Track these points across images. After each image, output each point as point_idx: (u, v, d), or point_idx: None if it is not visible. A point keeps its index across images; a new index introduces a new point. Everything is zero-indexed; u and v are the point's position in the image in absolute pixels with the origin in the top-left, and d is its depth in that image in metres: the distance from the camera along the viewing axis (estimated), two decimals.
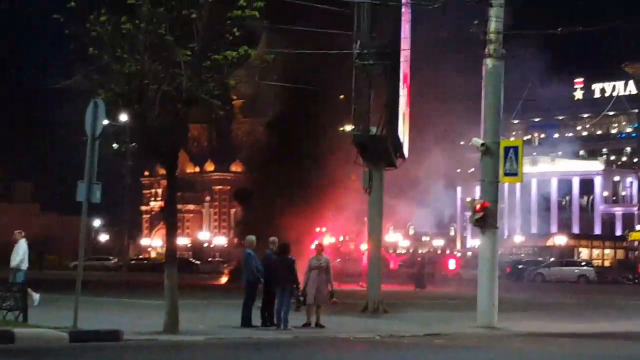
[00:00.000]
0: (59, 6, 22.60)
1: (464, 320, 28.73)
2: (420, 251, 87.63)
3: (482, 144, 27.94)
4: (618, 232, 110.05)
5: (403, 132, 34.90)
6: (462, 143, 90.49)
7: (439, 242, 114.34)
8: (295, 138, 59.67)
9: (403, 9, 32.44)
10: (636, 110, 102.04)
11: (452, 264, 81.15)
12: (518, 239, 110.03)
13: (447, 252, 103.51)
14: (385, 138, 32.55)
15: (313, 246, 29.67)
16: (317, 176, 56.71)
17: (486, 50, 27.92)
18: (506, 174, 28.02)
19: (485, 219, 27.66)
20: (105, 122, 23.13)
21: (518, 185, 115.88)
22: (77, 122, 23.12)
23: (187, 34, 22.71)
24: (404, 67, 33.96)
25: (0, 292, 23.48)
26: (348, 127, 34.06)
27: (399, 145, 34.45)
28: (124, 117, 27.40)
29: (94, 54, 22.56)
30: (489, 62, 27.88)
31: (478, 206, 27.82)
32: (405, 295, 47.17)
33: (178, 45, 22.57)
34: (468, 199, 30.66)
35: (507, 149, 27.99)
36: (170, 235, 24.01)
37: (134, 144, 28.87)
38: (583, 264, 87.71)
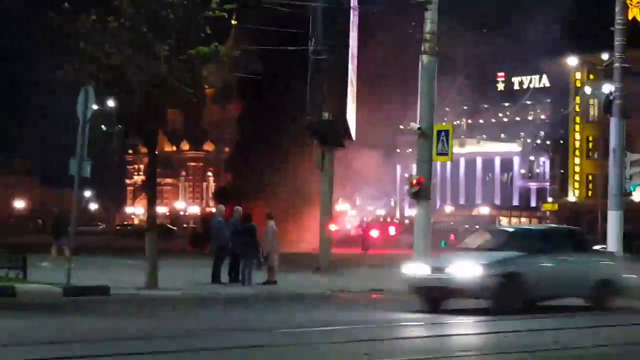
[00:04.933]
0: (54, 6, 22.39)
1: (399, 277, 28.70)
2: (364, 219, 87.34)
3: (419, 128, 27.90)
4: (533, 204, 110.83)
5: (351, 117, 34.87)
6: (401, 127, 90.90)
7: (381, 212, 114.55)
8: (266, 121, 59.39)
9: (352, 12, 32.37)
10: (549, 100, 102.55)
11: (392, 230, 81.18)
12: (448, 209, 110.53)
13: (388, 220, 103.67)
14: (334, 123, 32.53)
15: None
16: (287, 154, 56.44)
17: (422, 47, 27.87)
18: (438, 154, 28.00)
19: (420, 192, 27.65)
20: (95, 107, 22.95)
21: (449, 163, 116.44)
22: (71, 107, 22.86)
23: (165, 31, 22.57)
24: (353, 61, 33.92)
25: (4, 253, 23.38)
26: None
27: (347, 129, 34.44)
28: (111, 103, 27.08)
29: (85, 48, 22.37)
30: (424, 58, 27.81)
31: (414, 181, 27.81)
32: (354, 256, 47.16)
33: (157, 41, 22.42)
34: (406, 175, 30.44)
35: (439, 133, 27.97)
36: (151, 205, 23.93)
37: (119, 126, 28.50)
38: None
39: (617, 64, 32.82)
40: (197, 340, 13.83)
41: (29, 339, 13.34)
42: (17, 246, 27.30)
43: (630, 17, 32.41)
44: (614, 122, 32.59)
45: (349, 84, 33.18)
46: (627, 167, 32.62)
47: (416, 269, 19.86)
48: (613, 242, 31.88)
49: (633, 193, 33.38)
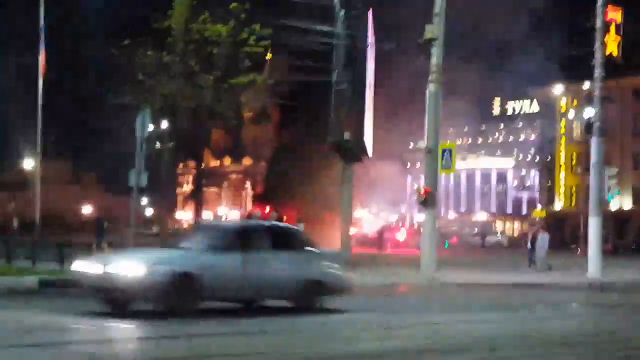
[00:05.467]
0: (117, 43, 22.62)
1: (412, 273, 28.40)
2: (381, 224, 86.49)
3: (426, 147, 27.93)
4: (524, 212, 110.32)
5: (368, 137, 34.75)
6: (411, 146, 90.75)
7: (393, 217, 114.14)
8: (295, 139, 59.20)
9: (368, 48, 32.31)
10: (537, 122, 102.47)
11: (403, 234, 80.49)
12: (451, 215, 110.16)
13: (400, 224, 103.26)
14: (353, 142, 32.40)
15: None
16: (313, 167, 55.93)
17: (429, 78, 27.86)
18: (443, 168, 28.04)
19: (428, 201, 27.65)
20: (151, 128, 23.04)
21: (452, 175, 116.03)
22: (129, 126, 22.93)
23: (210, 64, 22.73)
24: (370, 90, 33.86)
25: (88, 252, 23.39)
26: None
27: (364, 147, 34.32)
28: (164, 125, 27.17)
29: (141, 78, 22.57)
30: (431, 87, 27.80)
31: (422, 191, 27.84)
32: (371, 255, 46.99)
33: (203, 73, 22.60)
34: (415, 186, 30.13)
35: (444, 150, 27.99)
36: (198, 210, 24.02)
37: (171, 144, 28.55)
38: (498, 234, 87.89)
39: (596, 93, 32.77)
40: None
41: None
42: (81, 244, 27.23)
43: (607, 53, 32.26)
44: (594, 141, 32.49)
45: (366, 109, 33.11)
46: (606, 180, 32.51)
47: (88, 266, 14.95)
48: (594, 242, 31.77)
49: (610, 202, 33.16)
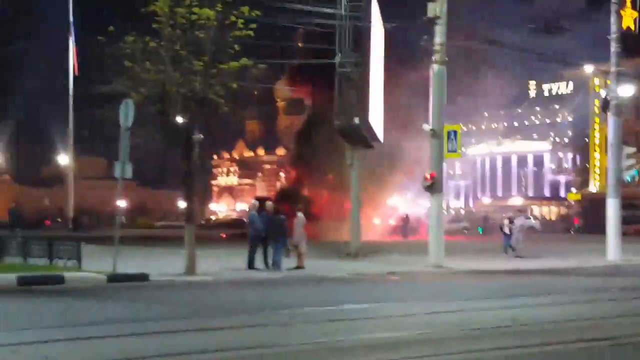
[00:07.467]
0: (102, 30, 22.05)
1: (421, 262, 27.51)
2: (405, 212, 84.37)
3: (431, 129, 27.06)
4: (562, 194, 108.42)
5: (377, 122, 33.77)
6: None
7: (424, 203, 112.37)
8: (323, 128, 58.38)
9: (373, 29, 31.29)
10: (572, 103, 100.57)
11: None
12: (486, 200, 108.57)
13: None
14: (359, 127, 31.39)
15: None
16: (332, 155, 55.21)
17: (433, 58, 26.98)
18: (449, 151, 27.10)
19: (433, 186, 26.82)
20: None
21: (487, 160, 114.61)
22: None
23: (198, 49, 22.05)
24: (377, 72, 32.92)
25: (63, 245, 23.06)
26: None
27: (373, 132, 33.37)
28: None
29: (128, 66, 21.96)
30: (434, 67, 26.95)
31: (428, 176, 26.97)
32: (393, 243, 46.24)
33: (192, 58, 21.93)
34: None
35: (449, 132, 27.04)
36: (189, 201, 23.38)
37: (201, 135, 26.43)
38: (531, 218, 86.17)
39: (613, 69, 31.65)
40: (198, 320, 13.23)
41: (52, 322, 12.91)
42: (93, 238, 26.71)
43: (624, 27, 31.08)
44: (610, 120, 31.41)
45: (371, 92, 32.11)
46: (624, 159, 31.39)
47: None
48: (612, 225, 30.66)
49: (629, 182, 32.05)
